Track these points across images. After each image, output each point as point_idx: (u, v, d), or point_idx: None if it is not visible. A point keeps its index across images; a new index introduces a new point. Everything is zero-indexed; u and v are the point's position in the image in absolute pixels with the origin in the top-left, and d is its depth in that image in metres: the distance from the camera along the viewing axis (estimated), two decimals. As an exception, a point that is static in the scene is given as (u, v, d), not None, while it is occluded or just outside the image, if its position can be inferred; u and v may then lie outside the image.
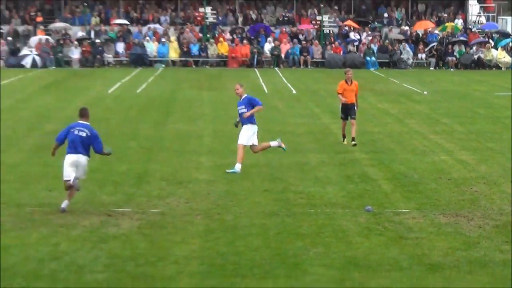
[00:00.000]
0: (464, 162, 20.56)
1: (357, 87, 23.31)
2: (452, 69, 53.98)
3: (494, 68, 54.52)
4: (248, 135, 19.41)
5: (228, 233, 13.82)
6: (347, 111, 22.55)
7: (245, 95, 19.79)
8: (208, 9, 58.77)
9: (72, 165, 15.26)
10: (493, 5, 69.59)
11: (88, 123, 15.81)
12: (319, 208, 15.63)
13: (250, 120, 19.48)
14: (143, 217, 14.88)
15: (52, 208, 15.40)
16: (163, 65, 54.00)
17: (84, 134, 15.44)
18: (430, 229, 14.20)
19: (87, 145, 15.49)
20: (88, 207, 15.58)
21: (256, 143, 19.67)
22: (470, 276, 11.64)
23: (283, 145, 20.03)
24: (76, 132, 15.43)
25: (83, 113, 15.93)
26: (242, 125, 19.72)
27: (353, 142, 22.22)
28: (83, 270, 11.82)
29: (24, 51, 54.21)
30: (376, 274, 11.78)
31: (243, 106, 19.58)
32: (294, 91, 38.46)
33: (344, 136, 22.81)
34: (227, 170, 18.86)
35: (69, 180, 15.12)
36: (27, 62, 52.86)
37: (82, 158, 15.41)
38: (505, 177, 18.57)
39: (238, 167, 19.05)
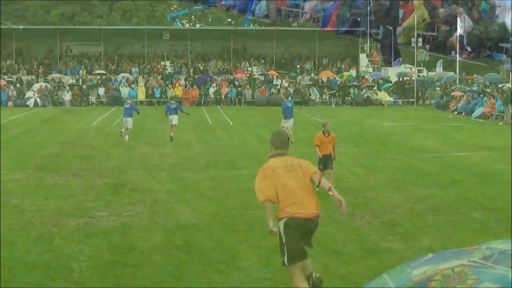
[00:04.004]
0: (357, 174, 20.61)
1: (334, 138, 18.10)
2: (348, 106, 54.57)
3: (379, 105, 55.24)
4: None
5: (182, 230, 13.57)
6: (325, 162, 17.73)
7: None
8: (167, 63, 58.93)
9: (173, 119, 28.51)
10: (378, 59, 71.35)
11: (175, 102, 31.46)
12: (250, 210, 15.45)
13: None
14: (117, 218, 14.55)
15: (48, 212, 15.00)
16: (134, 104, 53.63)
17: (174, 106, 29.18)
18: (333, 224, 14.16)
19: (176, 109, 29.18)
20: (75, 211, 15.19)
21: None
22: (362, 260, 11.61)
23: None
24: (171, 106, 29.28)
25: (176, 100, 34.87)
26: None
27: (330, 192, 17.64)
28: (70, 259, 11.50)
29: (28, 94, 53.72)
30: (293, 259, 11.62)
31: None
32: (231, 123, 38.38)
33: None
34: None
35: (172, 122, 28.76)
36: (31, 102, 52.39)
37: (175, 117, 28.55)
38: (387, 186, 18.63)
39: None
